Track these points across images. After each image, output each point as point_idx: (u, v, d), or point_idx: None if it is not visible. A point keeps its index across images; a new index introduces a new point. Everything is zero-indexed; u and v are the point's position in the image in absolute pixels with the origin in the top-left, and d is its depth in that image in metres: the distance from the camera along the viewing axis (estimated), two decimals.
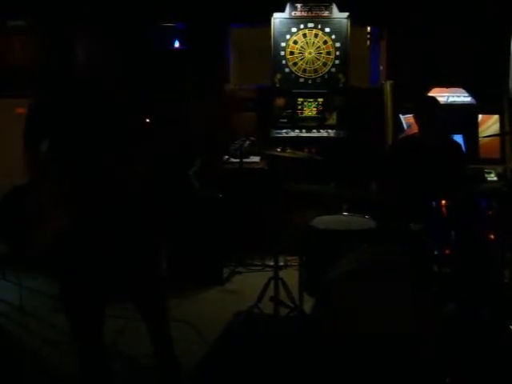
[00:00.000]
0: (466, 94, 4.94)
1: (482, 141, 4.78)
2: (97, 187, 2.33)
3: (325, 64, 5.03)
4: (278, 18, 5.01)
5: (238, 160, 4.60)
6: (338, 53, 5.01)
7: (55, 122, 2.40)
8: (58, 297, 2.53)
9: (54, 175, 2.36)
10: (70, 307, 2.50)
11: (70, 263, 2.41)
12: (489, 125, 4.88)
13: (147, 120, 2.53)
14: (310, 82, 5.05)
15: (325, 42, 5.02)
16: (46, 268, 3.71)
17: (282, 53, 5.03)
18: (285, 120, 5.03)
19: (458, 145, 3.85)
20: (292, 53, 5.04)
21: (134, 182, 2.46)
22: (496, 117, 4.87)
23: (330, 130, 5.02)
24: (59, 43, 4.71)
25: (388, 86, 5.00)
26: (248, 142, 4.24)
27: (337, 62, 5.01)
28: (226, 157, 4.82)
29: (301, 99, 5.03)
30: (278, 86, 5.05)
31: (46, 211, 2.30)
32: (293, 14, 5.02)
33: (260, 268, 4.63)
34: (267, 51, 5.05)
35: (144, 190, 2.53)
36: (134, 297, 2.66)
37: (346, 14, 4.96)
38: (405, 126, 4.88)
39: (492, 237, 2.85)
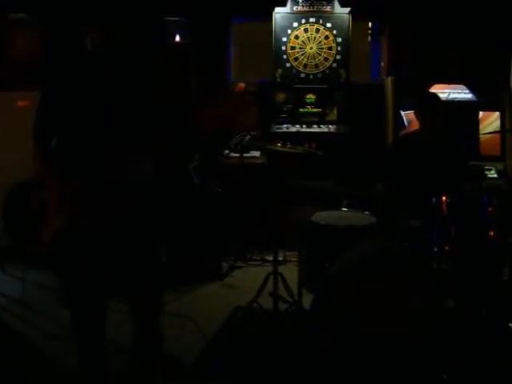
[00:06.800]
0: (467, 91, 4.93)
1: (482, 137, 4.77)
2: (106, 183, 2.33)
3: (326, 59, 5.02)
4: (279, 13, 5.00)
5: (238, 155, 4.60)
6: (339, 48, 5.00)
7: (65, 114, 2.39)
8: (61, 290, 2.52)
9: (63, 171, 2.35)
10: (73, 301, 2.50)
11: (75, 257, 2.41)
12: (490, 121, 4.87)
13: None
14: (310, 77, 5.04)
15: (326, 37, 5.01)
16: (48, 262, 3.73)
17: (283, 48, 5.02)
18: (285, 115, 5.03)
19: (459, 144, 3.79)
20: (293, 48, 5.03)
21: (143, 178, 2.46)
22: (497, 114, 4.86)
23: (330, 126, 5.01)
24: (61, 36, 4.69)
25: (389, 81, 4.99)
26: (248, 137, 4.24)
27: (338, 57, 5.00)
28: (227, 151, 4.82)
29: (301, 94, 5.02)
30: (278, 80, 5.05)
31: (54, 207, 2.30)
32: (294, 8, 5.00)
33: (259, 263, 4.62)
34: (268, 46, 5.04)
35: (148, 184, 2.54)
36: (132, 291, 2.67)
37: (347, 9, 4.95)
38: (405, 122, 4.87)
39: (492, 234, 2.85)
